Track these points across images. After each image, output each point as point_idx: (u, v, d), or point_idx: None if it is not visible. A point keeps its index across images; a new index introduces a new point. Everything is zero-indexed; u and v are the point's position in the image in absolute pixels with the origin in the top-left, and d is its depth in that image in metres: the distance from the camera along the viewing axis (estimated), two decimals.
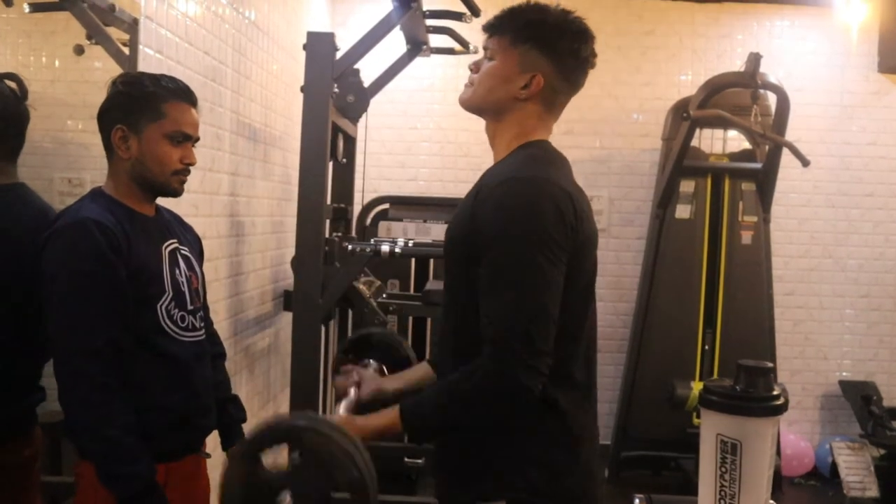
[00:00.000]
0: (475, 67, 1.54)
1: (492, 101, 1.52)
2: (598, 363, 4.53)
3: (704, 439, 1.06)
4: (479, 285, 1.39)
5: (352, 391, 1.65)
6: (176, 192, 1.77)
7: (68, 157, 2.26)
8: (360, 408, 1.60)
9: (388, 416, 1.41)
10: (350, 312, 3.88)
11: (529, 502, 1.41)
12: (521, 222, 1.36)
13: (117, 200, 1.70)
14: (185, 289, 1.76)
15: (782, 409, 1.04)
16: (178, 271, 1.75)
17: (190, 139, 1.75)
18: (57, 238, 1.58)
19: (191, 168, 1.76)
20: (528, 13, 1.50)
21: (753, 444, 1.00)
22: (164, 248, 1.74)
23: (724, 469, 1.01)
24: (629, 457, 4.36)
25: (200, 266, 1.89)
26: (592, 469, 1.48)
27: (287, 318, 3.50)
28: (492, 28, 1.53)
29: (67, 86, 2.27)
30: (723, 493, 1.04)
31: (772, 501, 1.10)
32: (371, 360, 1.85)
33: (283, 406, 3.86)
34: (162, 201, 1.85)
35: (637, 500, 1.28)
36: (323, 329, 3.45)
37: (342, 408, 1.57)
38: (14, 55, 2.18)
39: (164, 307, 1.69)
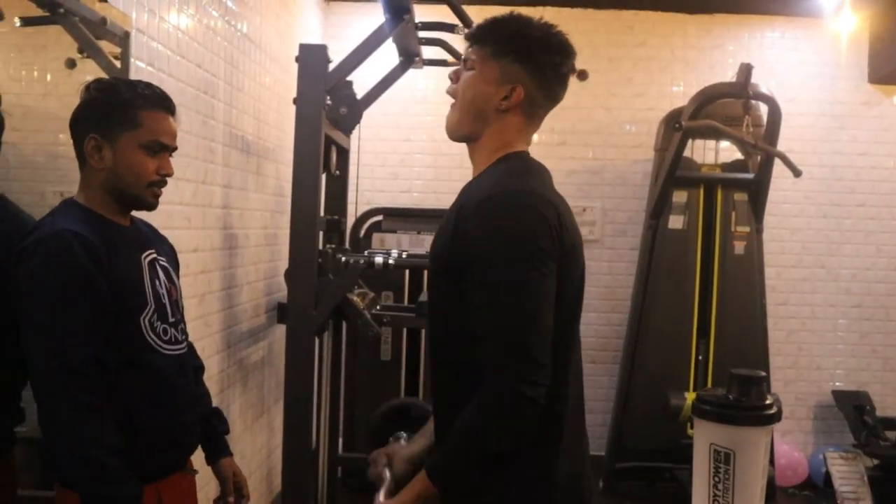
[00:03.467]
0: (455, 76, 1.54)
1: (477, 117, 1.50)
2: (592, 374, 4.53)
3: (698, 449, 1.05)
4: (464, 299, 1.38)
5: (386, 473, 1.59)
6: (150, 206, 1.68)
7: (59, 171, 2.25)
8: (398, 485, 1.53)
9: (419, 485, 1.39)
10: (344, 324, 3.88)
11: None
12: (507, 237, 1.36)
13: (92, 210, 1.62)
14: (166, 300, 1.69)
15: (775, 418, 1.04)
16: (158, 282, 1.67)
17: (167, 149, 1.66)
18: (32, 252, 1.48)
19: (167, 179, 1.67)
20: (511, 25, 1.50)
21: (747, 454, 1.00)
22: (143, 258, 1.66)
23: (717, 479, 1.01)
24: (623, 468, 4.34)
25: (178, 278, 1.83)
26: (585, 478, 1.48)
27: (281, 330, 3.49)
28: (474, 38, 1.53)
29: (59, 100, 2.26)
30: (716, 503, 1.03)
31: None
32: (403, 433, 1.82)
33: (276, 419, 3.84)
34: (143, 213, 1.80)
35: None
36: (317, 341, 3.44)
37: (381, 495, 1.51)
38: (5, 69, 2.18)
39: (146, 320, 1.62)
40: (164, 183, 1.68)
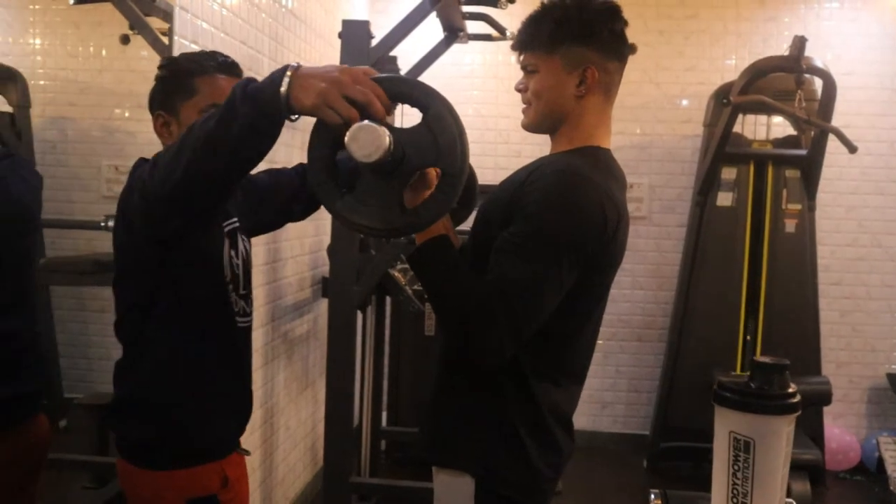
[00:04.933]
0: (523, 87, 1.54)
1: (556, 113, 1.51)
2: (638, 352, 4.53)
3: (717, 437, 1.04)
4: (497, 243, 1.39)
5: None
6: None
7: (115, 145, 2.30)
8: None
9: (437, 227, 1.41)
10: (388, 300, 3.91)
11: (490, 484, 1.45)
12: (565, 217, 1.36)
13: None
14: (240, 272, 1.68)
15: (797, 407, 1.02)
16: (234, 253, 1.67)
17: None
18: None
19: None
20: (550, 16, 1.49)
21: (767, 443, 0.99)
22: (224, 226, 1.65)
23: (736, 467, 1.00)
24: (668, 448, 4.32)
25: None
26: (560, 466, 1.52)
27: (326, 304, 3.53)
28: (522, 45, 1.53)
29: (114, 75, 2.30)
30: (735, 492, 1.02)
31: (789, 500, 1.08)
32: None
33: (321, 392, 3.90)
34: None
35: (653, 496, 1.27)
36: (360, 316, 3.48)
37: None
38: (63, 45, 2.23)
39: (224, 289, 1.61)
40: None
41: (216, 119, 1.22)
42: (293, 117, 1.21)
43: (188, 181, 1.27)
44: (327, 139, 1.23)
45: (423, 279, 1.45)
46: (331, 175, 1.25)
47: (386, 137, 1.15)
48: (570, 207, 1.37)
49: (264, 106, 1.19)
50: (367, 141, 1.14)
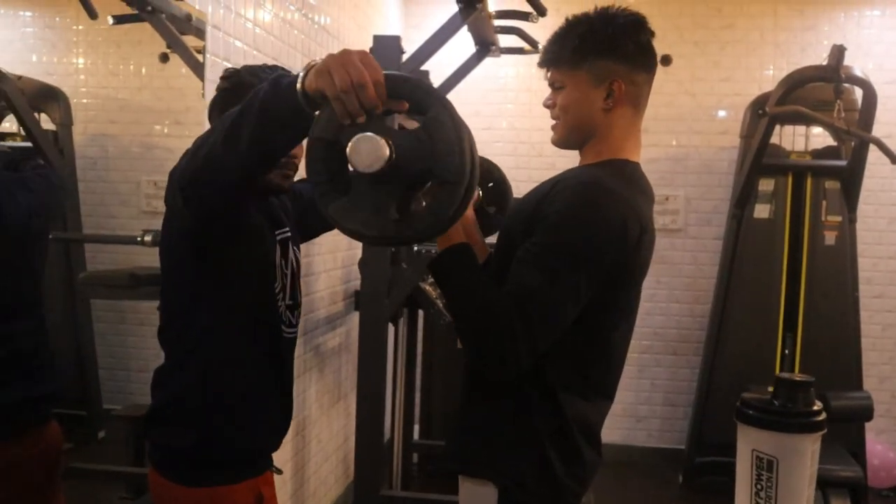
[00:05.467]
0: (551, 104, 1.54)
1: (584, 128, 1.50)
2: (674, 366, 4.49)
3: (740, 455, 1.02)
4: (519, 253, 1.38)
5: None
6: (281, 187, 1.65)
7: (154, 161, 2.34)
8: None
9: (458, 236, 1.41)
10: (420, 313, 3.92)
11: (513, 494, 1.44)
12: (585, 228, 1.36)
13: None
14: (288, 282, 1.69)
15: (823, 425, 1.00)
16: (285, 263, 1.68)
17: None
18: None
19: (296, 161, 1.60)
20: (574, 31, 1.49)
21: (791, 462, 0.97)
22: (277, 235, 1.67)
23: (759, 486, 0.98)
24: (704, 462, 4.24)
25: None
26: (586, 479, 1.50)
27: (357, 317, 3.55)
28: (548, 62, 1.53)
29: (153, 92, 2.35)
30: None
31: None
32: None
33: (353, 404, 3.91)
34: None
35: None
36: (392, 329, 3.49)
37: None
38: (105, 64, 2.28)
39: (275, 298, 1.62)
40: (293, 166, 1.64)
41: (242, 105, 1.25)
42: (316, 114, 1.21)
43: (207, 164, 1.29)
44: (327, 135, 1.19)
45: (442, 287, 1.45)
46: (328, 175, 1.20)
47: (385, 148, 1.12)
48: (591, 219, 1.36)
49: (281, 88, 1.20)
50: (367, 152, 1.12)
